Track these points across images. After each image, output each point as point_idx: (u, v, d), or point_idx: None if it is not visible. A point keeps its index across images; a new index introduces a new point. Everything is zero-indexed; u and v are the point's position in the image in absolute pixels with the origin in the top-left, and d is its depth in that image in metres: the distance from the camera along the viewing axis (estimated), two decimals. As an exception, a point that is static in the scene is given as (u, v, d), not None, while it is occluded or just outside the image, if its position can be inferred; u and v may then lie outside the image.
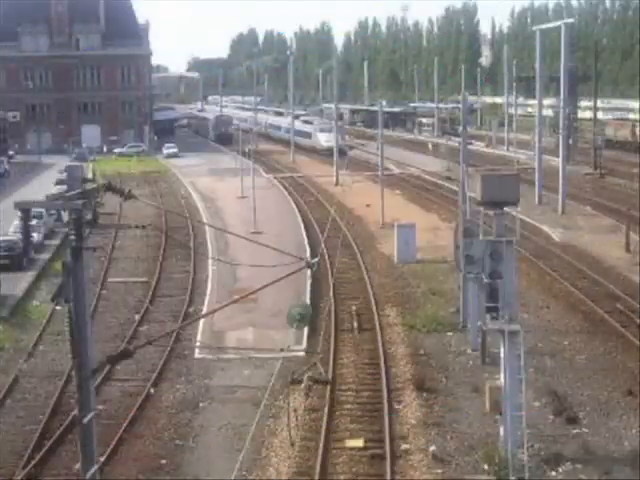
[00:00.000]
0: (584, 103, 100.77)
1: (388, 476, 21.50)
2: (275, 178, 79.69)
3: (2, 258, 42.03)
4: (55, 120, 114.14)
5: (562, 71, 62.89)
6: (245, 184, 61.27)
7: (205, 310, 36.34)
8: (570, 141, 76.44)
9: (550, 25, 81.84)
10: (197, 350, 31.40)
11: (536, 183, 61.67)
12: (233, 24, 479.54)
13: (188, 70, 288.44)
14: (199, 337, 32.65)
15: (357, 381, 28.05)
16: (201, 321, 34.00)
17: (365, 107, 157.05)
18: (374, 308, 35.77)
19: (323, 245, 43.78)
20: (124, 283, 42.01)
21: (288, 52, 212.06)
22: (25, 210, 12.33)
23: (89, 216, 11.84)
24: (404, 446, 23.22)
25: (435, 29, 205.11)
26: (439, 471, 21.91)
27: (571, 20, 78.58)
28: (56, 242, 48.98)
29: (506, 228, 22.32)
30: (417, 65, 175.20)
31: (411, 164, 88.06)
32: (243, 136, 75.85)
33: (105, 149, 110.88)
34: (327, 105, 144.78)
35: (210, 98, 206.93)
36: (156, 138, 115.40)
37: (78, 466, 12.27)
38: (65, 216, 12.39)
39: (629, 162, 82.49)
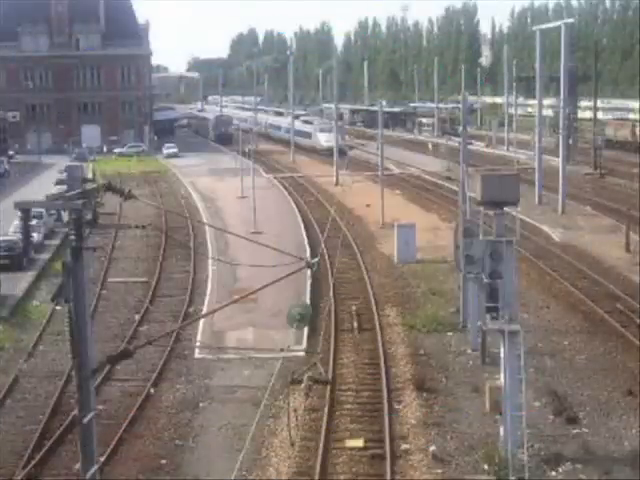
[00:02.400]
0: (584, 103, 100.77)
1: (388, 476, 21.50)
2: (275, 178, 79.69)
3: (2, 258, 42.03)
4: (55, 120, 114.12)
5: (562, 71, 62.90)
6: (245, 184, 61.27)
7: (205, 310, 36.34)
8: (570, 141, 76.43)
9: (550, 25, 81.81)
10: (197, 350, 31.41)
11: (536, 183, 61.67)
12: (233, 24, 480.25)
13: (188, 70, 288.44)
14: (199, 337, 32.65)
15: (357, 381, 28.05)
16: (201, 321, 34.00)
17: (365, 107, 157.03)
18: (374, 308, 35.77)
19: (323, 245, 43.78)
20: (124, 283, 42.01)
21: (288, 52, 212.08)
22: (25, 210, 12.33)
23: (89, 216, 11.84)
24: (404, 446, 23.22)
25: (435, 29, 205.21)
26: (439, 471, 21.91)
27: (571, 20, 78.58)
28: (56, 242, 48.98)
29: (506, 228, 22.32)
30: (417, 65, 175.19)
31: (411, 164, 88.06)
32: (243, 136, 75.86)
33: (105, 149, 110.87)
34: (327, 105, 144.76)
35: (210, 98, 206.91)
36: (156, 138, 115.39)
37: (78, 466, 12.25)
38: (65, 216, 12.36)
39: (629, 162, 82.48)
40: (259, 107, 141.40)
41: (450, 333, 32.63)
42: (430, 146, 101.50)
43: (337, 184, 74.65)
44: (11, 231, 45.60)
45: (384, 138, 60.14)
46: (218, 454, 23.24)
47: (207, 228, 51.79)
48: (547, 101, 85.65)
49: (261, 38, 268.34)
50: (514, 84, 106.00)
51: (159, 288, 40.86)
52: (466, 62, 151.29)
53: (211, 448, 23.64)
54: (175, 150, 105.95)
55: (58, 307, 33.35)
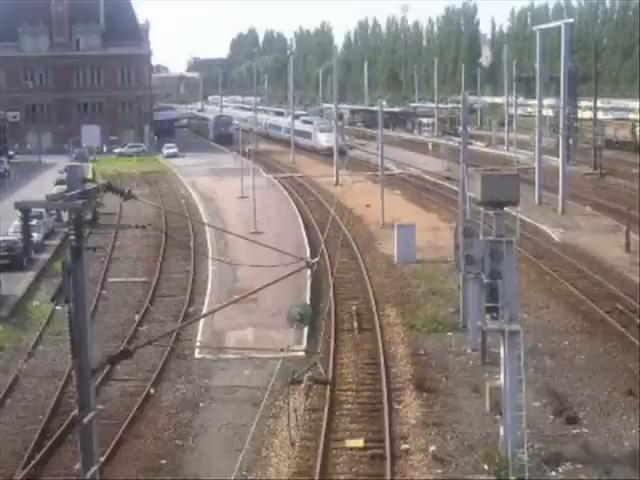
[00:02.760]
0: (584, 103, 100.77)
1: (388, 476, 21.51)
2: (275, 178, 79.68)
3: (2, 258, 42.06)
4: (55, 120, 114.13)
5: (562, 71, 62.88)
6: (245, 184, 61.28)
7: (205, 310, 36.34)
8: (570, 141, 76.39)
9: (550, 25, 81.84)
10: (197, 350, 31.40)
11: (536, 183, 61.67)
12: (233, 24, 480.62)
13: (188, 70, 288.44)
14: (199, 337, 32.65)
15: (357, 381, 28.06)
16: (201, 321, 34.00)
17: (365, 107, 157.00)
18: (374, 308, 35.77)
19: (323, 245, 43.78)
20: (124, 283, 42.01)
21: (288, 52, 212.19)
22: (25, 210, 12.32)
23: (89, 216, 11.84)
24: (404, 446, 23.22)
25: (435, 29, 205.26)
26: (439, 471, 21.92)
27: (571, 20, 78.45)
28: (56, 242, 48.96)
29: (506, 228, 22.31)
30: (417, 65, 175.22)
31: (411, 164, 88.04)
32: (243, 136, 75.82)
33: (105, 149, 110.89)
34: (327, 105, 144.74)
35: (210, 98, 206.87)
36: (156, 138, 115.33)
37: (78, 466, 12.25)
38: (65, 216, 12.30)
39: (629, 162, 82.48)
40: (259, 107, 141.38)
41: (450, 333, 32.63)
42: (430, 146, 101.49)
43: (337, 184, 74.62)
44: (11, 231, 45.60)
45: (384, 138, 60.12)
46: (218, 454, 23.24)
47: (207, 228, 51.79)
48: (547, 101, 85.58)
49: (261, 38, 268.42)
50: (514, 84, 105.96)
51: (159, 288, 40.86)
52: (466, 62, 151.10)
53: (211, 448, 23.64)
54: (175, 150, 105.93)
55: (58, 307, 33.38)
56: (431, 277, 41.14)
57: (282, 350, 29.05)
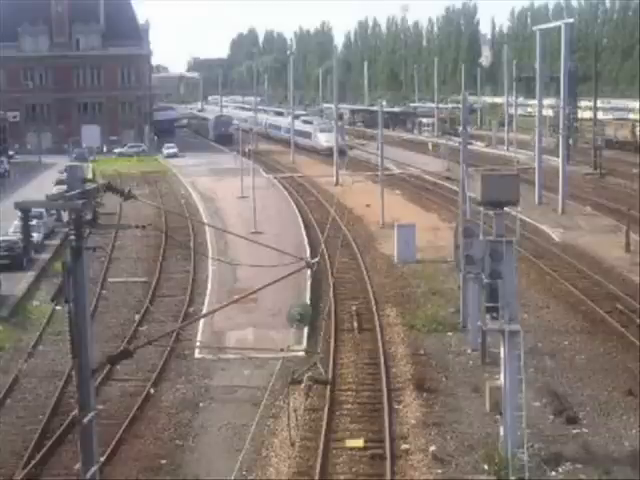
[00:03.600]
0: (584, 103, 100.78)
1: (388, 476, 21.51)
2: (275, 178, 79.67)
3: (2, 258, 42.06)
4: (55, 120, 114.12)
5: (562, 71, 62.88)
6: (245, 184, 61.28)
7: (205, 310, 36.34)
8: (570, 141, 76.39)
9: (550, 25, 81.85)
10: (197, 350, 31.41)
11: (536, 183, 61.67)
12: (233, 24, 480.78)
13: (188, 70, 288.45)
14: (199, 337, 32.65)
15: (357, 381, 28.06)
16: (201, 321, 34.00)
17: (365, 107, 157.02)
18: (374, 308, 35.77)
19: (323, 245, 43.78)
20: (124, 283, 42.01)
21: (288, 52, 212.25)
22: (25, 210, 12.31)
23: (89, 216, 11.84)
24: (404, 446, 23.23)
25: (435, 29, 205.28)
26: (439, 471, 21.92)
27: (571, 20, 78.42)
28: (56, 242, 48.95)
29: (506, 228, 22.31)
30: (417, 65, 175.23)
31: (411, 164, 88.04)
32: (243, 136, 75.79)
33: (105, 149, 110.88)
34: (327, 105, 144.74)
35: (210, 98, 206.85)
36: (156, 138, 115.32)
37: (78, 466, 12.25)
38: (65, 216, 12.28)
39: (629, 162, 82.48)
40: (259, 107, 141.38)
41: (450, 333, 32.63)
42: (430, 146, 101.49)
43: (337, 184, 74.62)
44: (11, 231, 45.60)
45: (384, 138, 60.09)
46: (218, 454, 23.24)
47: (207, 228, 51.79)
48: (547, 101, 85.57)
49: (261, 38, 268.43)
50: (514, 84, 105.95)
51: (159, 288, 40.85)
52: (466, 62, 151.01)
53: (211, 448, 23.64)
54: (175, 150, 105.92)
55: (58, 307, 33.38)
56: (431, 277, 41.14)
57: (282, 350, 29.05)
